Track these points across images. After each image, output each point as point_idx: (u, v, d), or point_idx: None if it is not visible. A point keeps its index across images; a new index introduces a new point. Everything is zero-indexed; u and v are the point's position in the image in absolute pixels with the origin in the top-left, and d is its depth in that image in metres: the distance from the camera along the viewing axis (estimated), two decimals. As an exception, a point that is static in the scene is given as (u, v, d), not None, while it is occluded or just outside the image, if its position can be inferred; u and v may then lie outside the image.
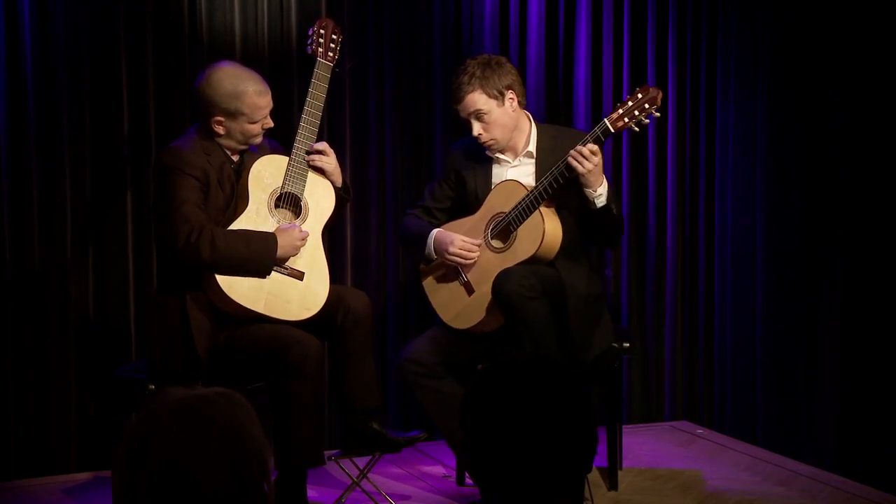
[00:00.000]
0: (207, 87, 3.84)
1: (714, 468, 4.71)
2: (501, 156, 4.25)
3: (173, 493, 1.57)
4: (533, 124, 4.27)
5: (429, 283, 4.32)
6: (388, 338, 5.08)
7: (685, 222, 5.46)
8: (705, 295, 5.47)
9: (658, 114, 4.01)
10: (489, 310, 4.10)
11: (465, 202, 4.30)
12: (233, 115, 3.83)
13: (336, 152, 4.82)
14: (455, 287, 4.23)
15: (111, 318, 4.69)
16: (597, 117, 5.24)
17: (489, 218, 4.19)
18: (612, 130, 4.01)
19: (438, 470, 4.67)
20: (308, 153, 3.96)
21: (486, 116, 4.13)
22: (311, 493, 4.29)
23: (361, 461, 4.17)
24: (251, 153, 3.99)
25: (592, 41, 5.27)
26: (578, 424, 1.79)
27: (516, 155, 4.25)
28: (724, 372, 5.38)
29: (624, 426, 4.76)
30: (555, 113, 5.22)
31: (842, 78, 4.74)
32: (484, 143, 4.18)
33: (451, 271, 4.23)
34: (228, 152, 3.94)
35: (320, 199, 4.00)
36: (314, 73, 3.96)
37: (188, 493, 1.57)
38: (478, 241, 4.16)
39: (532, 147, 4.22)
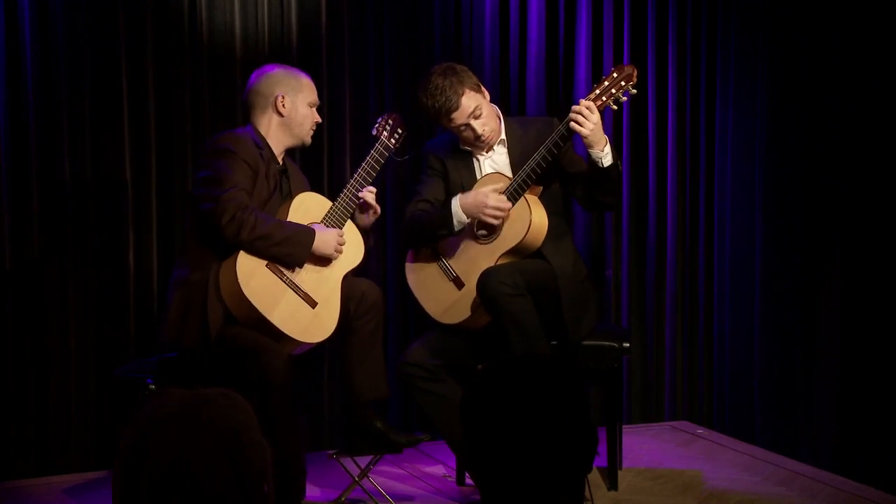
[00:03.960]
0: (268, 75, 4.05)
1: (714, 468, 4.71)
2: (477, 150, 4.27)
3: (173, 494, 1.57)
4: (500, 114, 4.31)
5: (416, 282, 4.31)
6: (388, 338, 5.08)
7: (685, 223, 5.47)
8: (705, 296, 5.48)
9: (635, 90, 4.07)
10: (478, 305, 4.10)
11: (451, 195, 4.27)
12: (294, 91, 4.02)
13: (336, 152, 4.85)
14: (444, 283, 4.23)
15: (111, 317, 4.69)
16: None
17: None
18: None
19: (439, 470, 4.67)
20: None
21: (481, 112, 4.16)
22: (312, 491, 4.30)
23: (362, 460, 4.18)
24: (295, 168, 4.13)
25: (593, 41, 5.28)
26: (578, 425, 1.79)
27: (489, 147, 4.27)
28: (723, 372, 5.39)
29: (624, 426, 4.76)
30: (555, 112, 5.21)
31: (841, 77, 4.74)
32: (486, 138, 4.20)
33: (438, 267, 4.24)
34: (277, 151, 4.04)
35: (349, 248, 4.05)
36: (375, 147, 4.12)
37: (188, 493, 1.57)
38: (501, 187, 4.14)
39: (503, 135, 4.27)
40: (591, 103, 4.02)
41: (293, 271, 3.93)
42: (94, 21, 4.60)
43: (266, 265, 3.88)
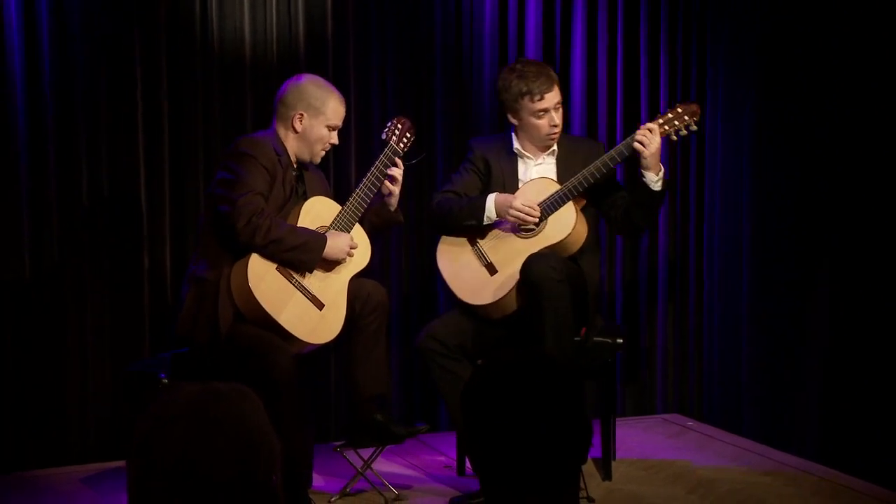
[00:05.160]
0: (298, 85, 4.02)
1: (703, 458, 4.73)
2: (526, 152, 4.31)
3: (185, 484, 1.57)
4: None
5: (446, 262, 4.30)
6: (391, 333, 5.08)
7: (676, 225, 5.48)
8: (695, 295, 5.49)
9: (696, 128, 4.18)
10: (510, 291, 4.13)
11: (489, 191, 4.28)
12: (315, 112, 3.98)
13: (341, 152, 4.84)
14: (476, 267, 4.24)
15: (126, 315, 4.71)
16: (591, 119, 5.29)
17: None
18: None
19: (440, 460, 4.68)
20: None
21: (560, 107, 4.24)
22: (318, 481, 4.32)
23: (366, 451, 4.19)
24: (309, 173, 4.12)
25: (588, 46, 5.30)
26: (574, 418, 1.79)
27: (541, 153, 4.30)
28: (712, 367, 5.40)
29: (617, 419, 4.78)
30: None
31: (827, 83, 4.75)
32: (557, 133, 4.25)
33: (473, 251, 4.25)
34: (293, 158, 4.03)
35: (356, 252, 4.05)
36: (384, 152, 4.10)
37: (199, 483, 1.58)
38: (537, 202, 4.17)
39: (555, 146, 4.31)
40: (655, 126, 4.12)
41: (302, 275, 3.94)
42: (109, 28, 4.61)
43: (276, 268, 3.89)
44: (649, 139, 4.08)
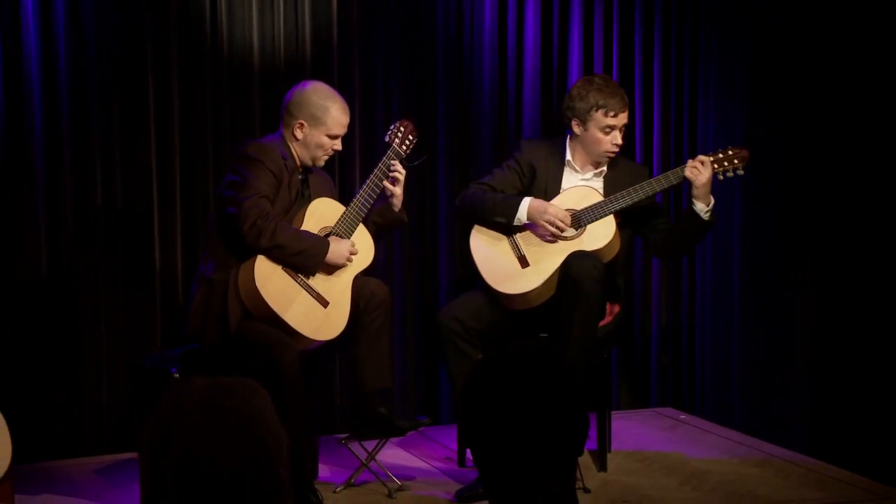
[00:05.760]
0: (302, 93, 4.04)
1: (696, 451, 4.77)
2: (576, 164, 4.33)
3: (196, 476, 1.59)
4: None
5: (478, 246, 4.31)
6: (393, 329, 5.12)
7: (669, 222, 5.48)
8: (688, 292, 5.52)
9: (742, 172, 4.26)
10: (538, 286, 4.16)
11: (529, 195, 4.30)
12: (315, 122, 3.99)
13: (346, 154, 4.87)
14: (508, 256, 4.25)
15: (139, 312, 4.76)
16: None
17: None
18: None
19: (441, 452, 4.71)
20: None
21: (624, 129, 4.28)
22: (324, 472, 4.36)
23: (370, 444, 4.23)
24: (314, 175, 4.15)
25: (584, 50, 5.33)
26: (571, 413, 1.80)
27: (591, 169, 4.34)
28: (704, 362, 5.43)
29: (613, 412, 4.81)
30: (549, 121, 5.27)
31: (815, 86, 4.79)
32: (615, 152, 4.28)
33: (508, 241, 4.27)
34: (298, 162, 4.07)
35: (360, 252, 4.09)
36: (387, 154, 4.12)
37: (210, 475, 1.60)
38: (577, 209, 4.21)
39: (605, 167, 4.33)
40: (707, 160, 4.18)
41: (307, 274, 3.99)
42: (122, 34, 4.66)
43: (282, 268, 3.94)
44: (699, 171, 4.17)
